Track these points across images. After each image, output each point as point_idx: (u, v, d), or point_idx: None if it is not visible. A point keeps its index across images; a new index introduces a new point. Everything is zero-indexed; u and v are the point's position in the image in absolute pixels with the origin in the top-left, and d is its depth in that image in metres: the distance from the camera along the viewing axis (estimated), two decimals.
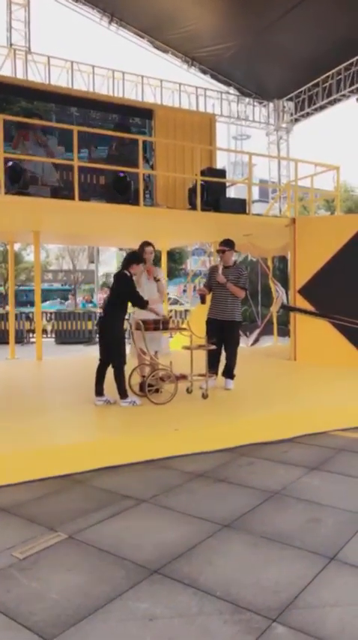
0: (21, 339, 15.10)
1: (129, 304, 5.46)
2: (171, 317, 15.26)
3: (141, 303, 5.36)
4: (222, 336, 6.07)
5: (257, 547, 2.74)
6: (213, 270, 6.33)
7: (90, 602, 2.26)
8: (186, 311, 17.83)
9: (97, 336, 5.54)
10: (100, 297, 17.30)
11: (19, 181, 7.09)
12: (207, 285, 6.32)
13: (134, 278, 5.48)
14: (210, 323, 6.17)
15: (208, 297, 6.31)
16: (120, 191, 7.67)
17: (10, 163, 7.28)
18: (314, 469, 3.97)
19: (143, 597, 2.28)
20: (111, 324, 5.30)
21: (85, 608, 2.21)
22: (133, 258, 5.58)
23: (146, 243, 6.09)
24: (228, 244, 6.20)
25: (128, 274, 5.40)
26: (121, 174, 7.89)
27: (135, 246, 6.52)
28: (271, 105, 19.76)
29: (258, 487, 3.60)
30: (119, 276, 5.46)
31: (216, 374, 6.19)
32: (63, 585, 2.39)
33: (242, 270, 6.32)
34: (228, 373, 6.20)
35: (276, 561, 2.59)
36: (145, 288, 5.80)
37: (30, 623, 2.12)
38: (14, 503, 3.37)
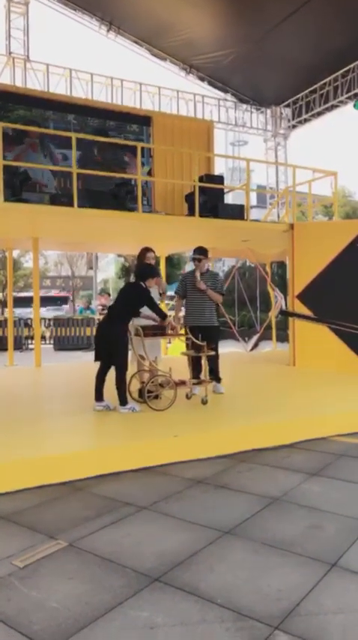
0: (20, 345, 15.09)
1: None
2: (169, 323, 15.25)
3: (162, 315, 5.43)
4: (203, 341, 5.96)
5: (258, 554, 2.73)
6: (187, 277, 6.29)
7: (90, 610, 2.24)
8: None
9: (96, 340, 5.53)
10: (99, 303, 17.28)
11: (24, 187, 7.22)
12: (182, 293, 6.28)
13: None
14: (190, 330, 5.96)
15: (182, 304, 6.35)
16: (123, 196, 7.77)
17: (22, 169, 7.42)
18: (315, 475, 3.96)
19: (144, 606, 2.27)
20: (118, 332, 5.29)
21: (86, 617, 2.20)
22: (151, 272, 5.61)
23: (148, 250, 6.09)
24: (203, 253, 6.19)
25: (144, 286, 5.43)
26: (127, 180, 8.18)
27: (135, 253, 6.52)
28: (269, 111, 19.87)
29: (259, 493, 3.59)
30: (135, 286, 5.49)
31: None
32: (63, 594, 2.37)
33: (217, 275, 6.39)
34: (216, 377, 6.24)
35: (278, 568, 2.58)
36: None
37: (30, 633, 2.11)
38: (13, 511, 3.35)
